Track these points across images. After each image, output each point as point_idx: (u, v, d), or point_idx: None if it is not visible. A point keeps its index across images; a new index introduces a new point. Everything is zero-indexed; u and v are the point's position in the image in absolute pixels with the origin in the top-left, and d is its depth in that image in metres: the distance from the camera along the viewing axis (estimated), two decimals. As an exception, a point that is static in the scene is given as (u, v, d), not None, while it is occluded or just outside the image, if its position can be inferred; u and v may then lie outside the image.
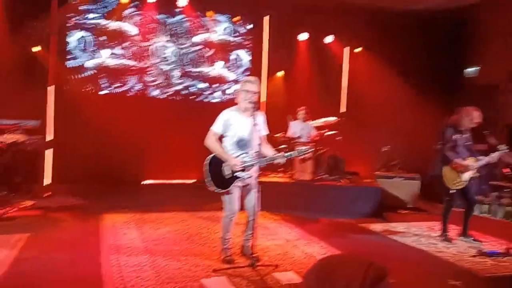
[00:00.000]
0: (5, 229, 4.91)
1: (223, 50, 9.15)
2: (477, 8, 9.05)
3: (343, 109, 9.86)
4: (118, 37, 8.38)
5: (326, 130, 7.88)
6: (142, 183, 8.57)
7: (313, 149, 4.34)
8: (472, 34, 9.51)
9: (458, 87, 9.68)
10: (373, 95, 9.40)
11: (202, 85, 9.09)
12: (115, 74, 8.42)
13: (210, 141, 4.09)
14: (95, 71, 8.29)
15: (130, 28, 8.44)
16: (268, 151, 4.18)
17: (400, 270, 4.23)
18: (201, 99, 9.11)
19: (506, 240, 5.46)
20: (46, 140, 7.58)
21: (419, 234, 5.80)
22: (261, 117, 4.21)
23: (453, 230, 5.58)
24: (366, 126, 9.03)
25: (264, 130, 4.21)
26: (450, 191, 5.33)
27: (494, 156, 5.21)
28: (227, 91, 9.23)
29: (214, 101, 9.18)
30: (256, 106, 4.09)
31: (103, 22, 8.25)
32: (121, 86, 8.51)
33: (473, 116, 5.24)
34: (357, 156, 8.70)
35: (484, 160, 5.26)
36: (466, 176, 5.26)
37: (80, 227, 5.33)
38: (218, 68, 9.16)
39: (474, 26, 9.47)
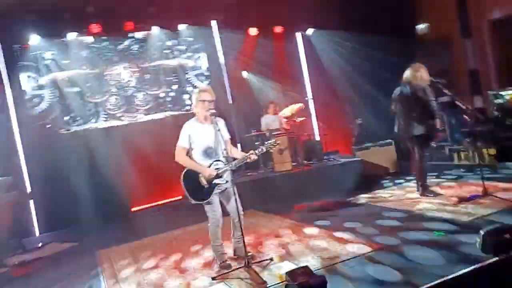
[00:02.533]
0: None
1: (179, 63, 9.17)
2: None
3: (309, 94, 10.00)
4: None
5: (296, 117, 8.02)
6: (132, 210, 8.53)
7: (278, 142, 4.43)
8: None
9: (413, 45, 9.91)
10: (335, 73, 9.63)
11: (169, 97, 9.07)
12: (77, 108, 8.36)
13: (180, 157, 4.18)
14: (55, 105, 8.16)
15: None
16: (236, 153, 4.30)
17: (389, 234, 4.40)
18: (172, 113, 9.09)
19: (483, 182, 5.66)
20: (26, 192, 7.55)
21: (404, 196, 5.98)
22: (221, 122, 4.29)
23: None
24: (336, 105, 9.22)
25: (226, 135, 4.31)
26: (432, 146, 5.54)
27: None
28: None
29: (184, 111, 9.15)
30: (215, 112, 4.18)
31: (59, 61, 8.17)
32: (86, 120, 8.46)
33: (423, 71, 5.43)
34: (334, 135, 8.85)
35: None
36: None
37: (77, 269, 5.31)
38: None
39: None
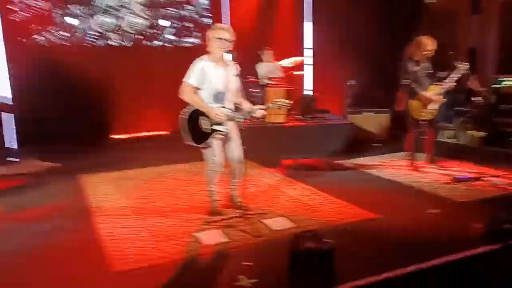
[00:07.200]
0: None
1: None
2: None
3: (308, 45, 9.70)
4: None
5: (293, 71, 7.79)
6: (111, 137, 8.25)
7: (291, 102, 4.24)
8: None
9: (419, 15, 9.69)
10: (338, 30, 9.36)
11: (169, 28, 8.60)
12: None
13: (188, 94, 3.92)
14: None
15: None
16: (245, 103, 4.11)
17: (381, 203, 4.45)
18: (169, 44, 8.63)
19: (473, 164, 5.78)
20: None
21: (393, 166, 6.04)
22: (235, 68, 4.05)
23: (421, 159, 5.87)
24: (334, 62, 9.01)
25: (239, 82, 4.07)
26: (420, 123, 5.54)
27: (454, 77, 5.34)
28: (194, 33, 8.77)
29: (184, 45, 8.73)
30: (232, 52, 3.94)
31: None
32: (78, 37, 7.91)
33: (426, 45, 5.33)
34: (328, 93, 8.72)
35: (446, 85, 5.39)
36: (434, 105, 5.43)
37: (57, 192, 5.15)
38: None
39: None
